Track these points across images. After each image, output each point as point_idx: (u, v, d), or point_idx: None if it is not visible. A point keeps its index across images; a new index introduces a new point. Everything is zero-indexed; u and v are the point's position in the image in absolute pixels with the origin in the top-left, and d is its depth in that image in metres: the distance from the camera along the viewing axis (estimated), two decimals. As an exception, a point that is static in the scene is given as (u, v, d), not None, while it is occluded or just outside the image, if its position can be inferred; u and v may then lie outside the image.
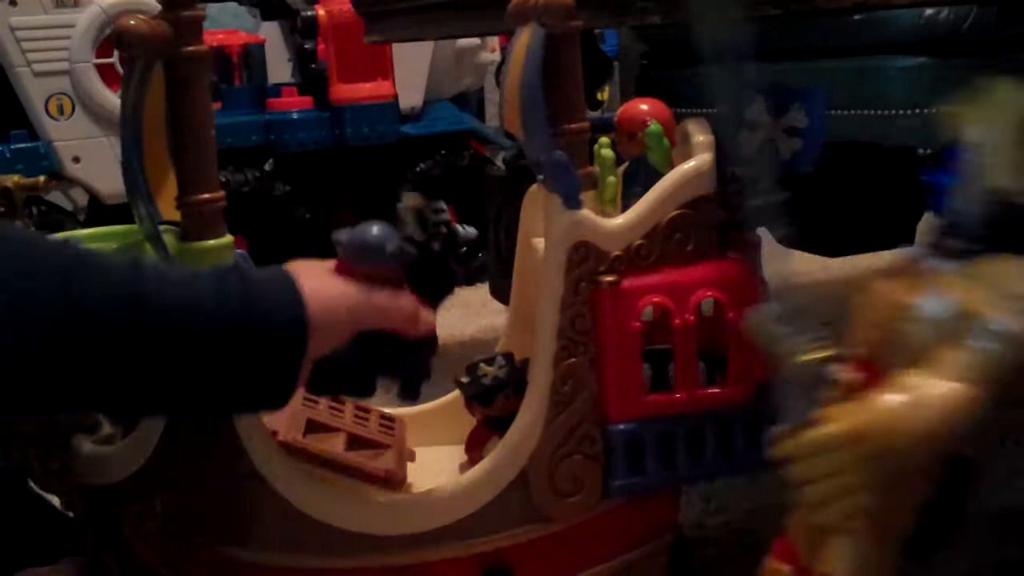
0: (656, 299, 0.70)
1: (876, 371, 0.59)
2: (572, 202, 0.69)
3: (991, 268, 0.58)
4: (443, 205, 1.99)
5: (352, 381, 0.67)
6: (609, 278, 0.70)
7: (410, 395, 0.69)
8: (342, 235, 0.65)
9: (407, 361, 0.67)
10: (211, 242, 0.72)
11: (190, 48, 0.70)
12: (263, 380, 0.60)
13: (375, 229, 0.65)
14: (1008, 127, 0.59)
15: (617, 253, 0.70)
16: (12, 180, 1.93)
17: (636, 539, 0.75)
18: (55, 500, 0.79)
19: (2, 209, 1.79)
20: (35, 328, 0.54)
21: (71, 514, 0.78)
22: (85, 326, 0.55)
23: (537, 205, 0.80)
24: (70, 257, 0.57)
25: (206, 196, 0.71)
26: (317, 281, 0.62)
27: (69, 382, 0.56)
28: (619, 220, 0.71)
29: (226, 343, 0.58)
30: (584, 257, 0.70)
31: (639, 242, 0.71)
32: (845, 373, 0.58)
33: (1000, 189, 0.59)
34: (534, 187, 0.83)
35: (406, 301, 0.65)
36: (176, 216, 0.73)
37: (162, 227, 0.74)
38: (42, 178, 1.99)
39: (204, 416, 0.66)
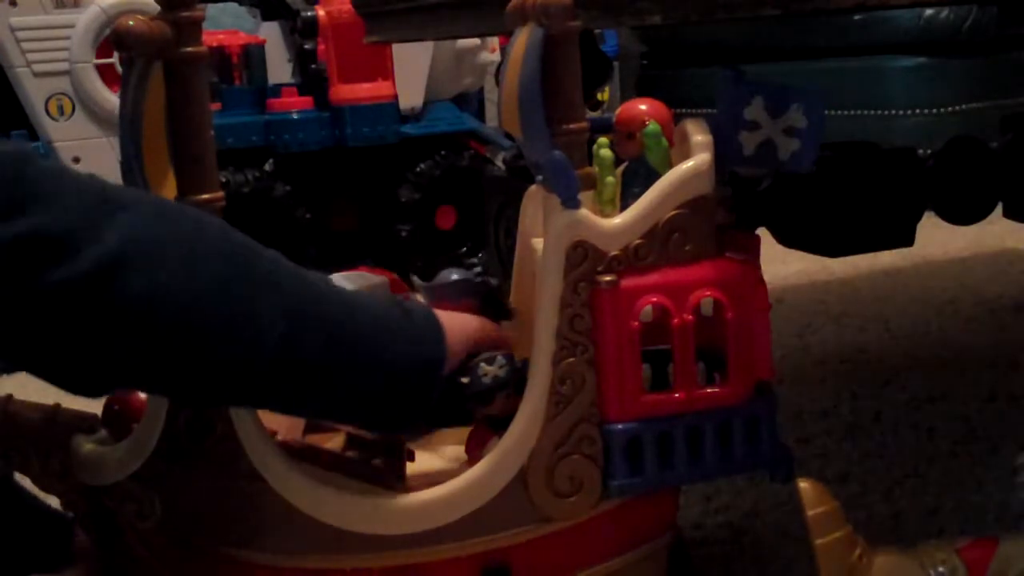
0: (654, 299, 0.70)
1: None
2: (570, 202, 0.69)
3: None
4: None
5: (454, 411, 0.74)
6: (607, 278, 0.70)
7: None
8: (432, 284, 0.78)
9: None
10: (211, 242, 0.73)
11: (189, 49, 0.70)
12: (403, 399, 0.68)
13: (455, 270, 0.81)
14: None
15: (615, 253, 0.70)
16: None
17: (635, 539, 0.75)
18: (51, 500, 0.79)
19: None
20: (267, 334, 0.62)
21: (70, 514, 0.78)
22: (308, 342, 0.63)
23: (537, 205, 0.80)
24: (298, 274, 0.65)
25: (206, 196, 0.71)
26: (442, 311, 0.72)
27: (285, 386, 0.64)
28: (617, 220, 0.71)
29: (385, 354, 0.66)
30: (582, 257, 0.70)
31: (637, 242, 0.71)
32: None
33: None
34: (533, 187, 0.83)
35: (501, 330, 0.76)
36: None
37: None
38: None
39: (350, 422, 0.73)
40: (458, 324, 0.71)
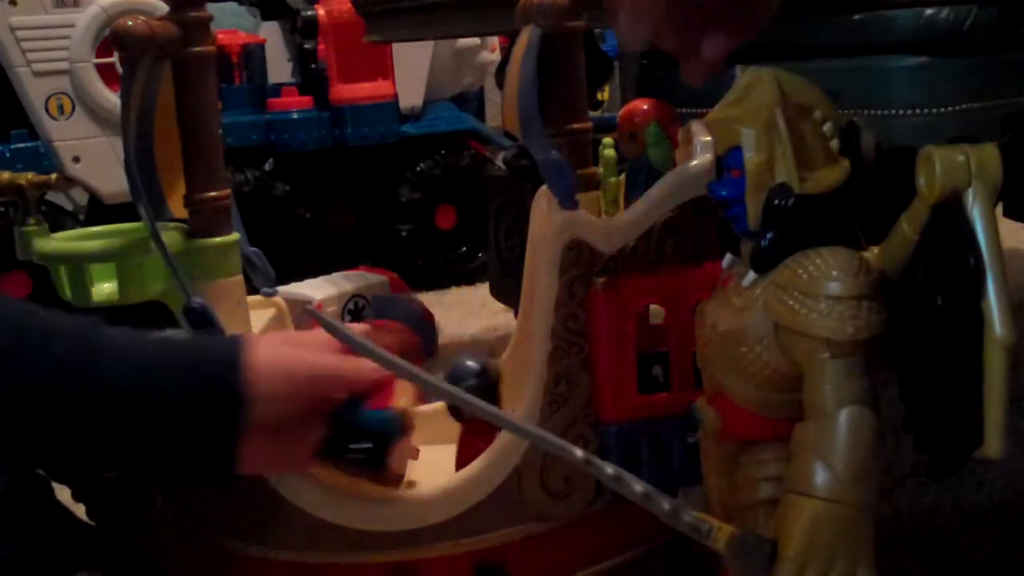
0: (650, 300, 0.70)
1: None
2: (567, 202, 0.69)
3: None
4: None
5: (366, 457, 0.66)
6: (602, 279, 0.69)
7: (378, 471, 0.67)
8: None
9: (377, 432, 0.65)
10: (218, 239, 0.74)
11: (198, 48, 0.70)
12: (200, 443, 0.61)
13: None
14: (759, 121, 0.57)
15: (611, 254, 0.70)
16: (25, 178, 1.93)
17: (632, 539, 0.75)
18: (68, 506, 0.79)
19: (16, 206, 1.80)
20: None
21: (92, 523, 0.78)
22: (34, 391, 0.58)
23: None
24: (30, 318, 0.60)
25: (213, 194, 0.72)
26: (273, 349, 0.63)
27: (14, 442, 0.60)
28: (613, 221, 0.71)
29: (163, 407, 0.60)
30: (577, 257, 0.70)
31: (634, 243, 0.71)
32: None
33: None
34: (544, 187, 0.82)
35: (368, 367, 0.64)
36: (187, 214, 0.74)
37: (172, 225, 0.75)
38: (55, 175, 1.99)
39: (145, 475, 0.68)
40: (280, 361, 0.63)
